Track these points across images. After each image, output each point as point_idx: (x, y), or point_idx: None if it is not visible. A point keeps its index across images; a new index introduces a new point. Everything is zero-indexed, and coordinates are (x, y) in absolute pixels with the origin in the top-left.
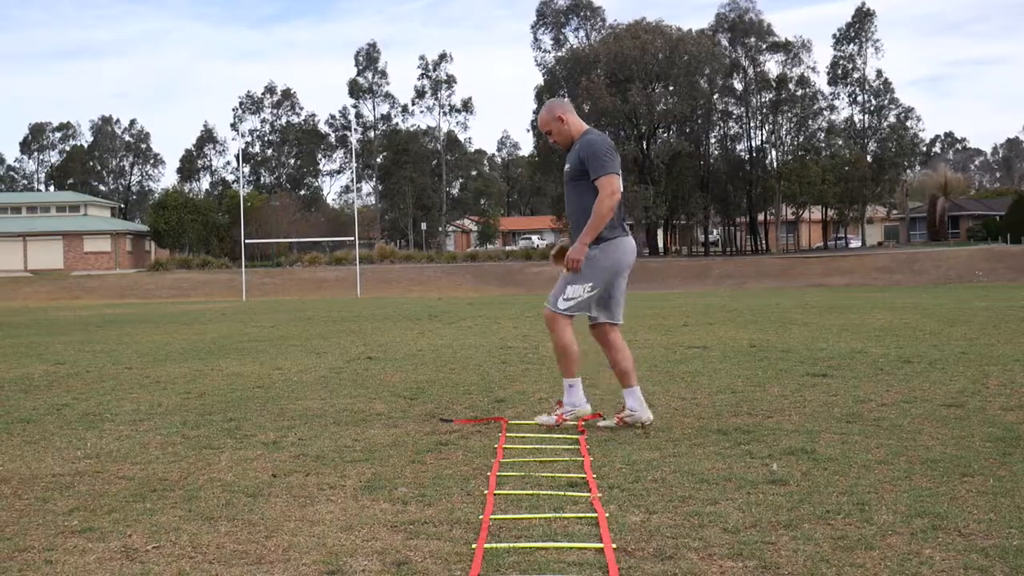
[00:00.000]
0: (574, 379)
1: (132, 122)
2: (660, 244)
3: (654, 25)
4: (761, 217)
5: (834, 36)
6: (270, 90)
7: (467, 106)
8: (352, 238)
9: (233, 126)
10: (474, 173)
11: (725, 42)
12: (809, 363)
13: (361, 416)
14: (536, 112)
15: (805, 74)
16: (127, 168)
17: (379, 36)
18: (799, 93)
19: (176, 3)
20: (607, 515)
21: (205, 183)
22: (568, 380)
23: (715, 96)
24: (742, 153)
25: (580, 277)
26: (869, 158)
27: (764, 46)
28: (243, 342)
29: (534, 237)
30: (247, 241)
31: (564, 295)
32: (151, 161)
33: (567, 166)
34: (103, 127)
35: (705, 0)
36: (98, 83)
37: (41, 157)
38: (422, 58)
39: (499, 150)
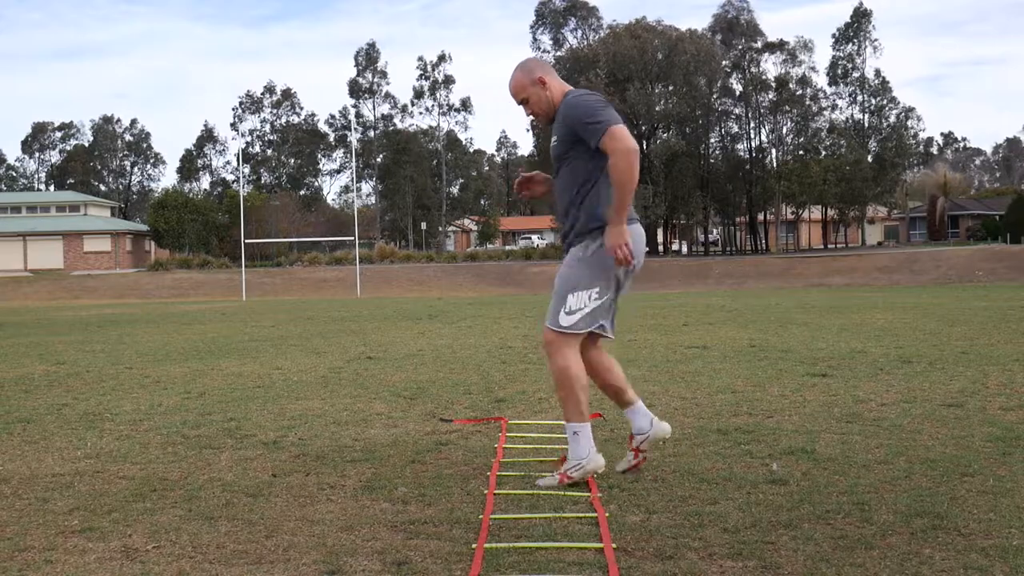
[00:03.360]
0: (582, 424)
1: (133, 122)
2: (659, 243)
3: (653, 25)
4: (761, 217)
5: (833, 36)
6: (270, 90)
7: (466, 106)
8: (352, 238)
9: (233, 126)
10: (474, 173)
11: (720, 41)
12: (809, 363)
13: (361, 416)
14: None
15: (805, 74)
16: (127, 168)
17: (376, 36)
18: (799, 93)
19: (174, 3)
20: (607, 515)
21: (205, 183)
22: (574, 425)
23: (714, 96)
24: (742, 153)
25: (582, 280)
26: (870, 158)
27: (762, 46)
28: (243, 342)
29: (534, 237)
30: (247, 241)
31: (566, 307)
32: (151, 161)
33: (554, 142)
34: (104, 127)
35: (702, 0)
36: (99, 83)
37: (42, 157)
38: (421, 59)
39: (498, 150)
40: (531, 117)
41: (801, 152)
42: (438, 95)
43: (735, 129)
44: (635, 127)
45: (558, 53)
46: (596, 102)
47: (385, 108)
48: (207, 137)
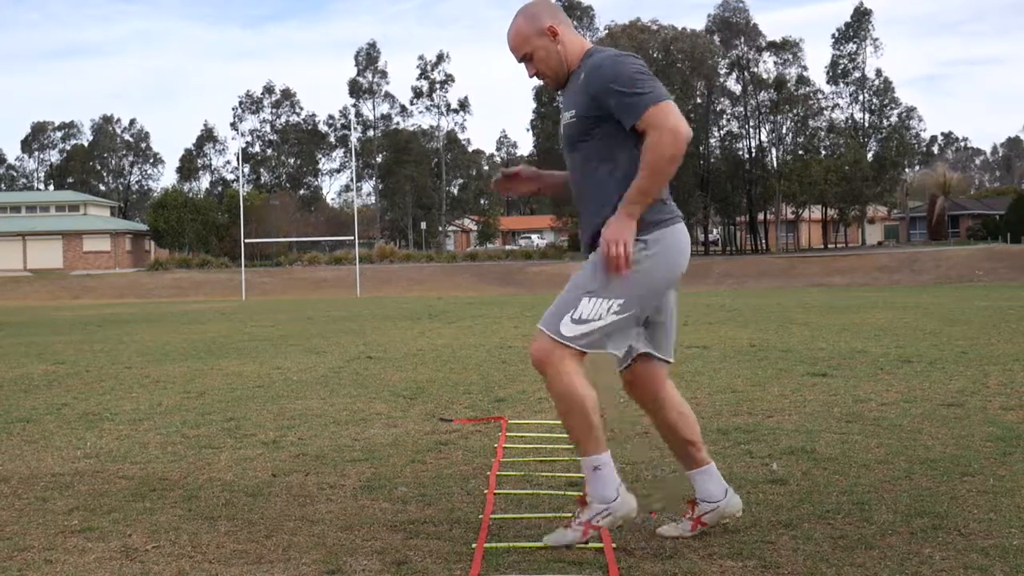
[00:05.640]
0: (600, 455)
1: (132, 121)
2: None
3: (649, 25)
4: (761, 216)
5: (833, 36)
6: (269, 90)
7: (464, 105)
8: (352, 237)
9: (233, 125)
10: (474, 173)
11: (718, 41)
12: (809, 363)
13: (361, 416)
14: (537, 107)
15: (804, 74)
16: (127, 167)
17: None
18: (799, 92)
19: (171, 3)
20: None
21: (205, 182)
22: (592, 459)
23: (713, 96)
24: (742, 152)
25: (605, 285)
26: (870, 157)
27: (762, 45)
28: (243, 342)
29: (534, 237)
30: (247, 241)
31: (574, 312)
32: (151, 160)
33: (566, 116)
34: (103, 126)
35: (699, 0)
36: (98, 83)
37: (41, 156)
38: (421, 58)
39: (498, 149)
40: (536, 79)
41: (801, 152)
42: (436, 95)
43: (735, 128)
44: None
45: None
46: (635, 66)
47: (385, 108)
48: (207, 137)
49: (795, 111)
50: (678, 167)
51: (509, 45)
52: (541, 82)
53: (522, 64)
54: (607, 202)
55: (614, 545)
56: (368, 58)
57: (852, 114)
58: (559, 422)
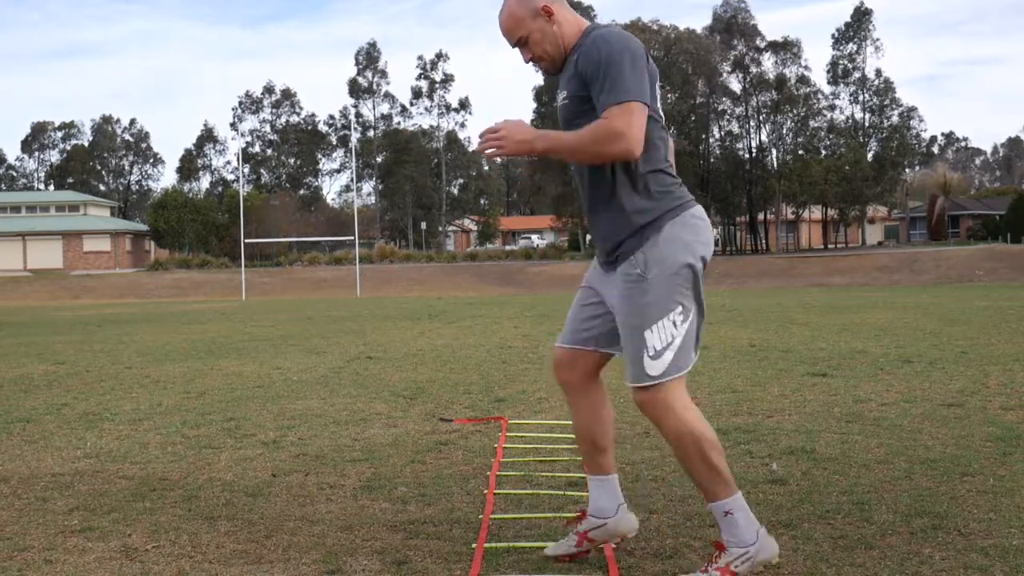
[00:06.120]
0: (733, 497)
1: (132, 121)
2: None
3: (649, 24)
4: (761, 216)
5: (833, 36)
6: (269, 90)
7: (464, 105)
8: (352, 237)
9: (233, 126)
10: (474, 173)
11: (720, 41)
12: (809, 363)
13: (361, 416)
14: (538, 107)
15: (804, 74)
16: (127, 168)
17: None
18: (799, 92)
19: (170, 3)
20: None
21: (205, 183)
22: (724, 503)
23: (713, 95)
24: (742, 152)
25: (655, 305)
26: (870, 157)
27: (763, 45)
28: (243, 342)
29: (534, 237)
30: (247, 241)
31: (648, 350)
32: (151, 160)
33: (563, 98)
34: (103, 126)
35: (699, 0)
36: (97, 83)
37: (41, 156)
38: (420, 58)
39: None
40: (532, 64)
41: (801, 152)
42: (436, 95)
43: (735, 128)
44: None
45: None
46: (626, 53)
47: (385, 108)
48: (207, 137)
49: (795, 111)
50: (597, 160)
51: (502, 29)
52: (538, 68)
53: (516, 49)
54: (610, 194)
55: (614, 545)
56: (368, 58)
57: (852, 114)
58: (559, 422)
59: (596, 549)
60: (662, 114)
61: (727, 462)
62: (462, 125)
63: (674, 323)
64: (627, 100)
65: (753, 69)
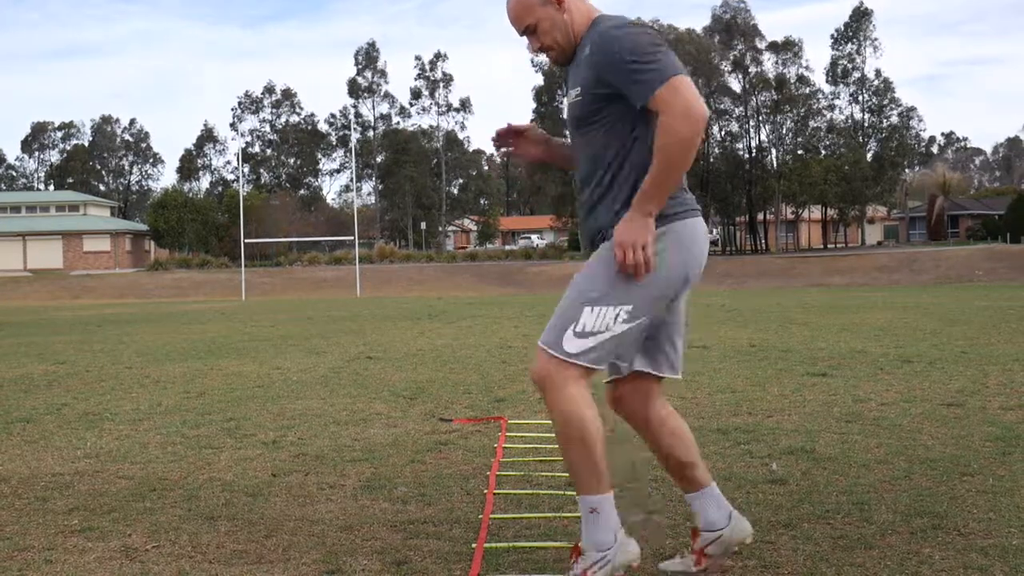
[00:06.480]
0: (602, 496)
1: (132, 121)
2: None
3: (651, 24)
4: (761, 216)
5: (832, 36)
6: (269, 90)
7: (465, 105)
8: (352, 237)
9: (233, 126)
10: (474, 173)
11: (719, 41)
12: (809, 363)
13: (361, 416)
14: (537, 107)
15: (803, 74)
16: (127, 168)
17: (373, 36)
18: (799, 92)
19: (170, 3)
20: None
21: (205, 182)
22: (590, 499)
23: (713, 95)
24: (742, 152)
25: (610, 290)
26: (870, 157)
27: (763, 46)
28: (243, 342)
29: (534, 237)
30: (247, 241)
31: (577, 324)
32: (151, 160)
33: (571, 95)
34: (103, 126)
35: (698, 1)
36: (97, 83)
37: (42, 156)
38: (418, 58)
39: (498, 148)
40: (539, 54)
41: (801, 151)
42: (437, 95)
43: (735, 128)
44: None
45: None
46: (647, 36)
47: (384, 107)
48: (207, 137)
49: (795, 111)
50: (695, 153)
51: (509, 17)
52: (547, 58)
53: (524, 37)
54: (617, 194)
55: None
56: (367, 58)
57: (852, 114)
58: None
59: (718, 568)
60: None
61: (703, 462)
62: (463, 127)
63: (616, 317)
64: (667, 77)
65: (753, 69)
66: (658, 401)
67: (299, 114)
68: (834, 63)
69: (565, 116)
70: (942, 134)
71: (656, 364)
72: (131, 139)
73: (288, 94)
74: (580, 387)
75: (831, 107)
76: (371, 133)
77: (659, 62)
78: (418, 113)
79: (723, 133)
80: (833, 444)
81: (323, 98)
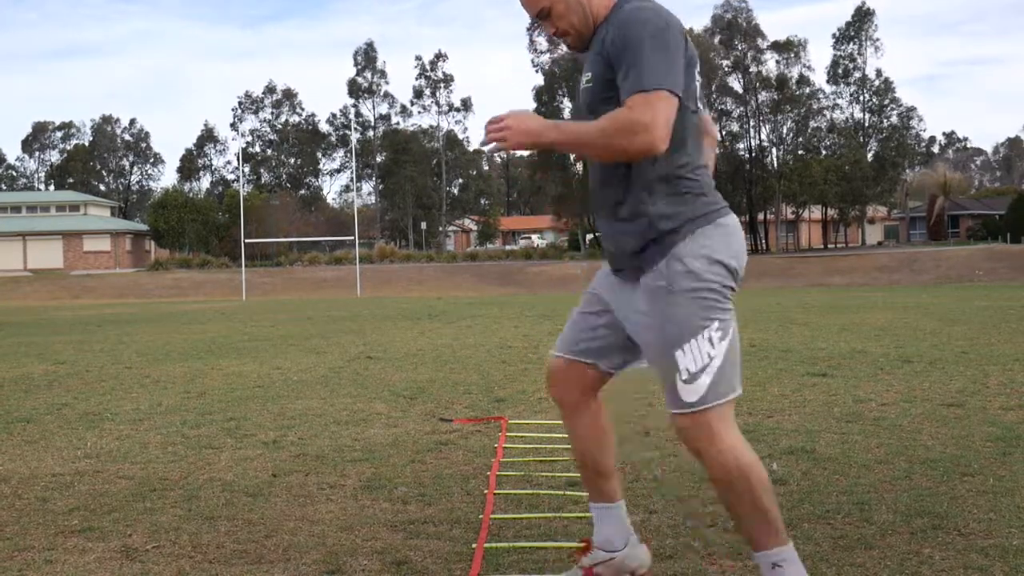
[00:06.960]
0: (784, 548)
1: (132, 121)
2: None
3: None
4: (761, 216)
5: (833, 36)
6: (270, 90)
7: (466, 105)
8: (352, 237)
9: (233, 126)
10: (474, 173)
11: (719, 41)
12: (809, 363)
13: (361, 416)
14: (538, 107)
15: (804, 74)
16: (127, 168)
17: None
18: (800, 92)
19: (169, 3)
20: None
21: (205, 183)
22: (774, 553)
23: (714, 95)
24: (742, 152)
25: (687, 322)
26: (870, 157)
27: (765, 46)
28: (243, 342)
29: (534, 236)
30: (247, 241)
31: (682, 372)
32: (151, 160)
33: (586, 80)
34: (103, 126)
35: (699, 1)
36: (97, 83)
37: (42, 156)
38: (418, 58)
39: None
40: (555, 38)
41: (801, 151)
42: (437, 94)
43: (735, 128)
44: None
45: (555, 55)
46: (662, 32)
47: (384, 107)
48: (207, 137)
49: (796, 111)
50: (614, 156)
51: (521, 0)
52: (564, 44)
53: (538, 21)
54: (626, 194)
55: None
56: (367, 58)
57: (852, 114)
58: (559, 422)
59: None
60: (701, 104)
61: (618, 478)
62: (463, 126)
63: (710, 341)
64: (655, 88)
65: (754, 69)
66: (596, 397)
67: (299, 114)
68: (835, 63)
69: (580, 102)
70: (943, 134)
71: (615, 363)
72: (131, 139)
73: (288, 94)
74: (728, 433)
75: (832, 107)
76: (371, 133)
77: (653, 68)
78: (418, 113)
79: (724, 133)
80: (833, 444)
81: (323, 98)
